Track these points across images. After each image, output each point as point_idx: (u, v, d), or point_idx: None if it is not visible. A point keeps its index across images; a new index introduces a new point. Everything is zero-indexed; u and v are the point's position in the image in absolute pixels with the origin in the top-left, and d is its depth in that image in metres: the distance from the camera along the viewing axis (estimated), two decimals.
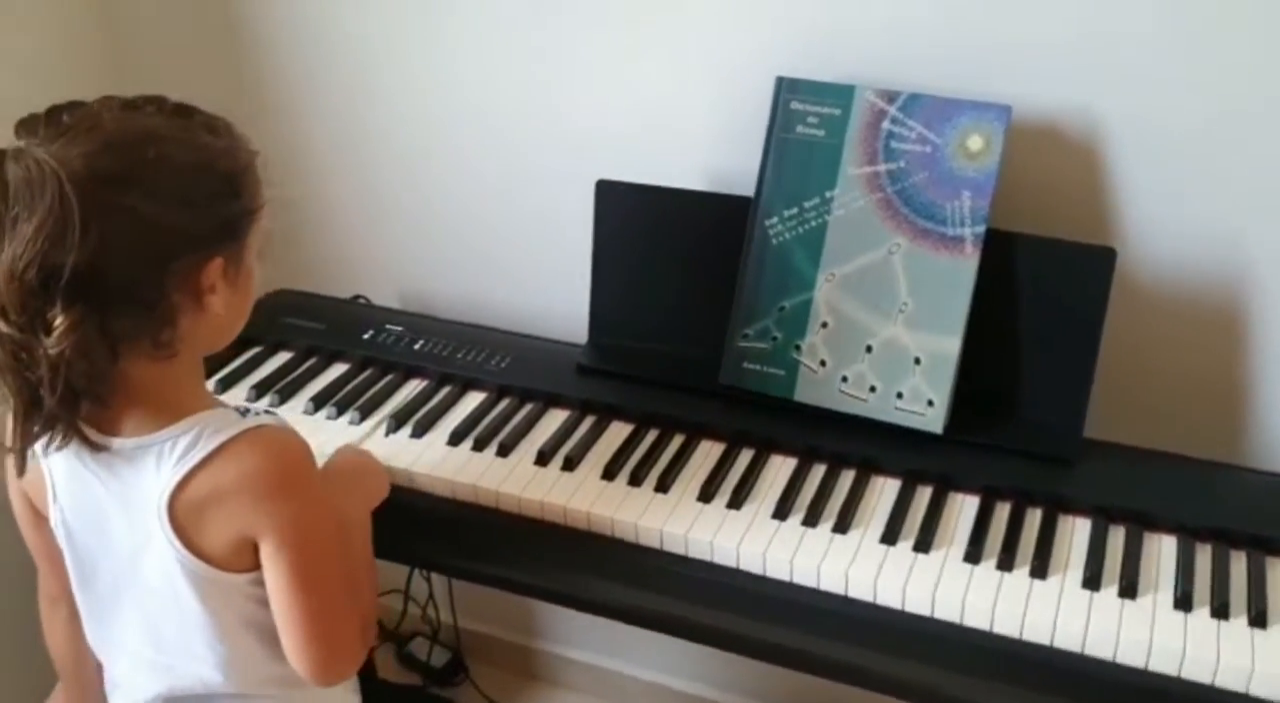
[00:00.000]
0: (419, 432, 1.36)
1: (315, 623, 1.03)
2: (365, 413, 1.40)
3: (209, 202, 0.97)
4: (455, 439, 1.35)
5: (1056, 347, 1.26)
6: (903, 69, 1.30)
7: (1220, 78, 1.21)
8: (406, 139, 1.63)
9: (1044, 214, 1.29)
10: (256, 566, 1.03)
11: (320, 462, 1.28)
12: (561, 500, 1.24)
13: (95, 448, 0.99)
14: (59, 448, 0.98)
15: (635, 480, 1.27)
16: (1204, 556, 1.16)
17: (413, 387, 1.46)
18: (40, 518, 1.10)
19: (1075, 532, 1.19)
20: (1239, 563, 1.15)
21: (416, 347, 1.49)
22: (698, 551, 1.20)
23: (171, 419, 1.01)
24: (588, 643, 2.01)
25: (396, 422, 1.37)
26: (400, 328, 1.52)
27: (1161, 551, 1.17)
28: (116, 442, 1.01)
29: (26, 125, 0.92)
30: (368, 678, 1.90)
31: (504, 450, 1.32)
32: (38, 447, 0.98)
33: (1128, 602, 1.10)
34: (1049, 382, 1.27)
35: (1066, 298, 1.25)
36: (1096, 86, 1.25)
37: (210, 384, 1.44)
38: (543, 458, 1.31)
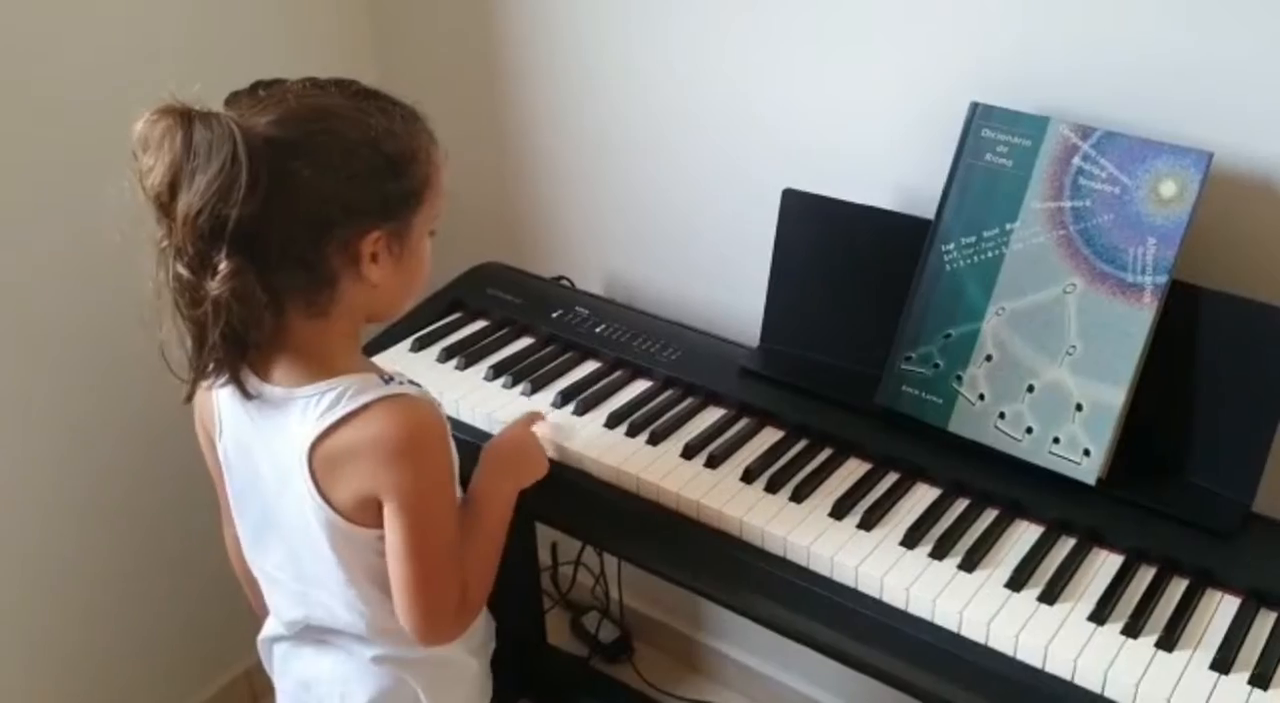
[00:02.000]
0: (582, 410, 1.43)
1: (417, 588, 1.11)
2: (537, 386, 1.47)
3: (370, 177, 1.04)
4: (613, 422, 1.40)
5: (1233, 412, 1.19)
6: (1102, 106, 1.25)
7: None
8: (623, 134, 1.70)
9: (1239, 272, 1.21)
10: (381, 524, 1.11)
11: (496, 428, 1.37)
12: (695, 496, 1.28)
13: (245, 393, 1.09)
14: (223, 386, 1.09)
15: (772, 487, 1.29)
16: None
17: (587, 367, 1.52)
18: (213, 443, 1.21)
19: (1219, 610, 1.12)
20: None
21: (598, 330, 1.56)
22: (819, 565, 1.20)
23: (322, 376, 1.09)
24: (752, 644, 2.03)
25: (564, 398, 1.45)
26: (586, 311, 1.59)
27: None
28: (268, 389, 1.10)
29: (234, 97, 1.04)
30: (535, 643, 2.04)
31: (655, 439, 1.37)
32: (205, 383, 1.09)
33: (1257, 691, 1.03)
34: (1220, 448, 1.20)
35: (1249, 361, 1.17)
36: None
37: (407, 343, 1.56)
38: (689, 452, 1.34)
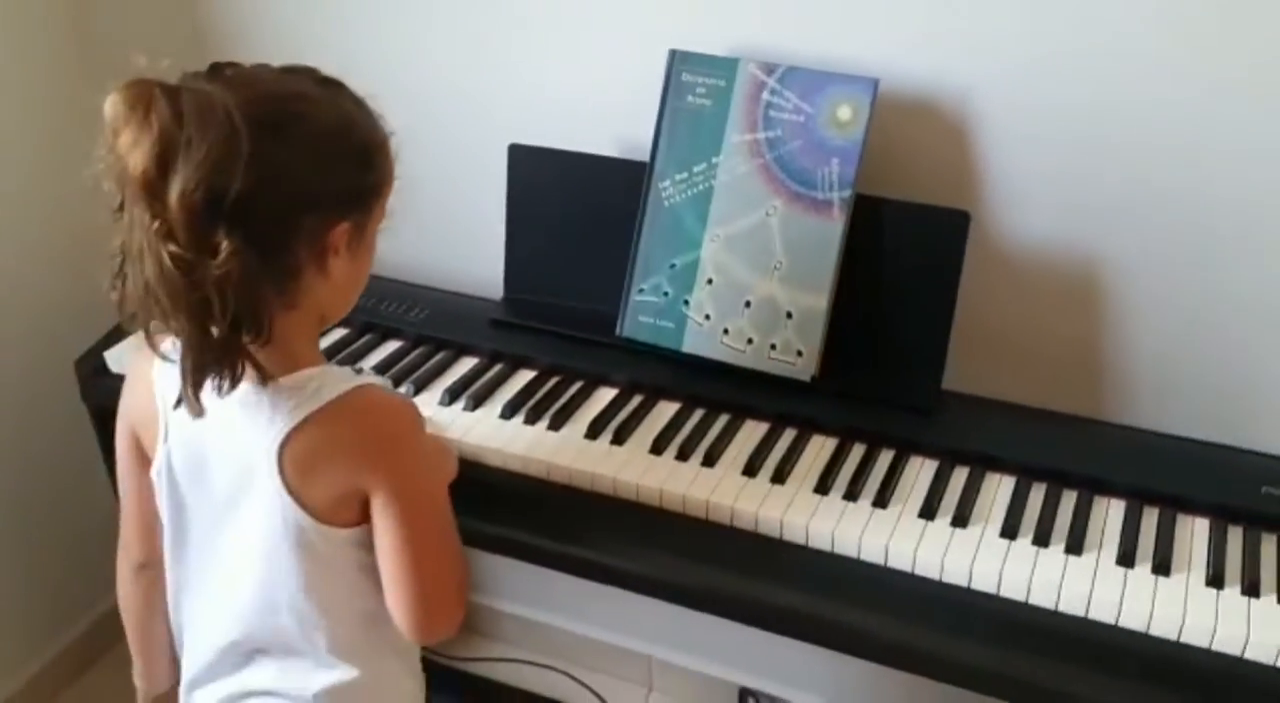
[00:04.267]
0: None
1: (420, 579, 1.06)
2: None
3: (345, 166, 1.00)
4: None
5: (917, 303, 1.37)
6: (785, 44, 1.41)
7: (1083, 55, 1.31)
8: None
9: (911, 180, 1.40)
10: (357, 522, 1.06)
11: None
12: (457, 435, 1.35)
13: (269, 380, 1.00)
14: (229, 390, 0.98)
15: (530, 419, 1.38)
16: (1037, 492, 1.27)
17: (335, 335, 1.57)
18: (143, 462, 1.12)
19: (921, 471, 1.30)
20: (1069, 500, 1.26)
21: None
22: (581, 481, 1.31)
23: (290, 369, 1.03)
24: (521, 596, 2.11)
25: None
26: None
27: (999, 488, 1.27)
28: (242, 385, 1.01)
29: (194, 76, 0.95)
30: None
31: (416, 389, 1.44)
32: (161, 387, 1.02)
33: (958, 530, 1.21)
34: (912, 336, 1.38)
35: (925, 258, 1.36)
36: (964, 62, 1.35)
37: None
38: (449, 397, 1.42)
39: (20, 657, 1.96)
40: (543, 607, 2.10)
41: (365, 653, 1.12)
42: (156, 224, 0.91)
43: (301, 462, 1.02)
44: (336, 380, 1.04)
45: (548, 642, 2.12)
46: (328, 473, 1.03)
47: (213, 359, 0.96)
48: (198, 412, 0.99)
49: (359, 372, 1.09)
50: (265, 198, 0.93)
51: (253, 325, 0.96)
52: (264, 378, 1.01)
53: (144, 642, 1.26)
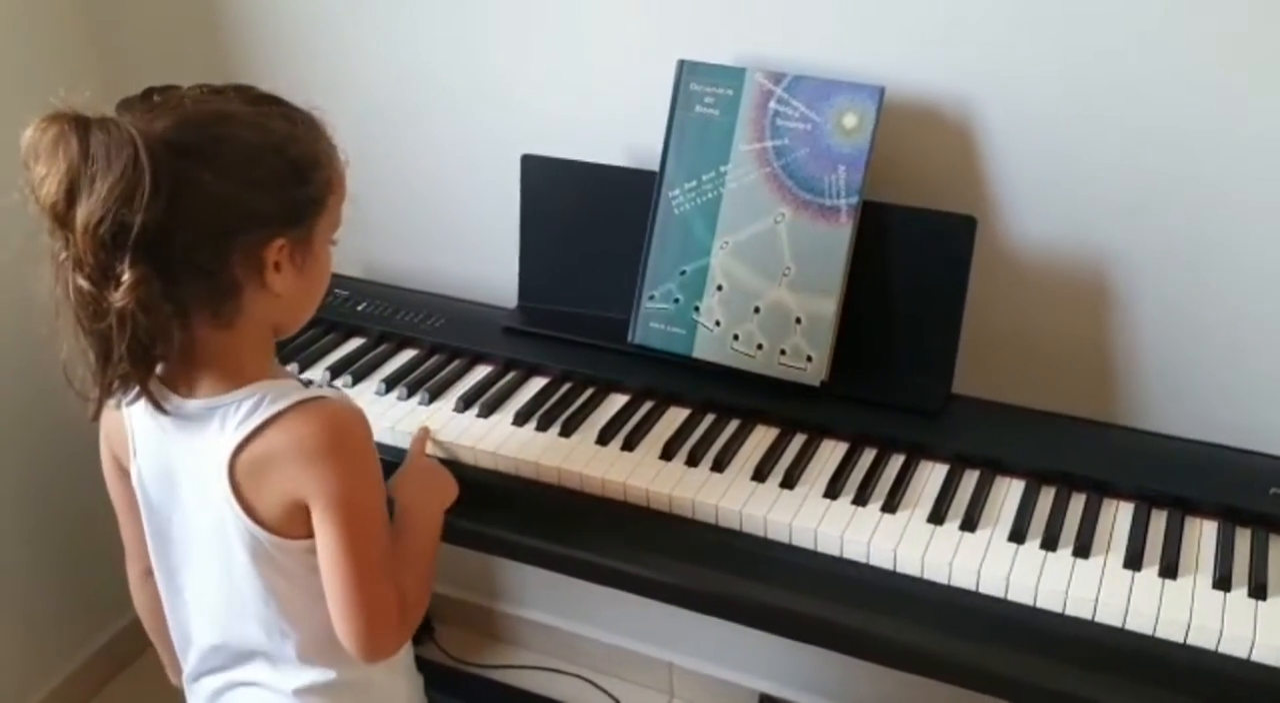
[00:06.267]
0: (354, 382, 1.50)
1: (358, 590, 1.07)
2: (304, 367, 1.53)
3: (274, 183, 1.01)
4: (386, 388, 1.48)
5: (926, 308, 1.38)
6: (792, 53, 1.42)
7: (1084, 62, 1.31)
8: (366, 121, 1.77)
9: (917, 186, 1.41)
10: (309, 533, 1.08)
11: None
12: (470, 443, 1.37)
13: (159, 407, 1.05)
14: (132, 402, 1.05)
15: (542, 426, 1.40)
16: (1046, 496, 1.27)
17: (353, 344, 1.60)
18: (125, 475, 1.16)
19: (932, 475, 1.30)
20: (1077, 503, 1.26)
21: (360, 308, 1.63)
22: (592, 487, 1.32)
23: (237, 385, 1.06)
24: (544, 603, 2.13)
25: (333, 374, 1.51)
26: (346, 292, 1.66)
27: (1009, 492, 1.28)
28: (182, 402, 1.07)
29: (125, 103, 0.99)
30: None
31: (431, 398, 1.46)
32: (116, 401, 1.05)
33: (967, 535, 1.22)
34: (921, 340, 1.39)
35: (933, 262, 1.37)
36: (968, 69, 1.36)
37: None
38: (463, 404, 1.44)
39: (55, 660, 2.01)
40: (562, 613, 2.12)
41: (338, 657, 1.14)
42: (65, 255, 0.95)
43: (251, 474, 1.06)
44: (283, 393, 1.06)
45: (568, 648, 2.14)
46: (274, 483, 1.06)
47: (116, 378, 1.00)
48: (95, 416, 1.07)
49: (308, 384, 1.12)
50: (184, 225, 0.96)
51: (158, 350, 1.00)
52: (210, 393, 1.06)
53: (165, 642, 1.29)
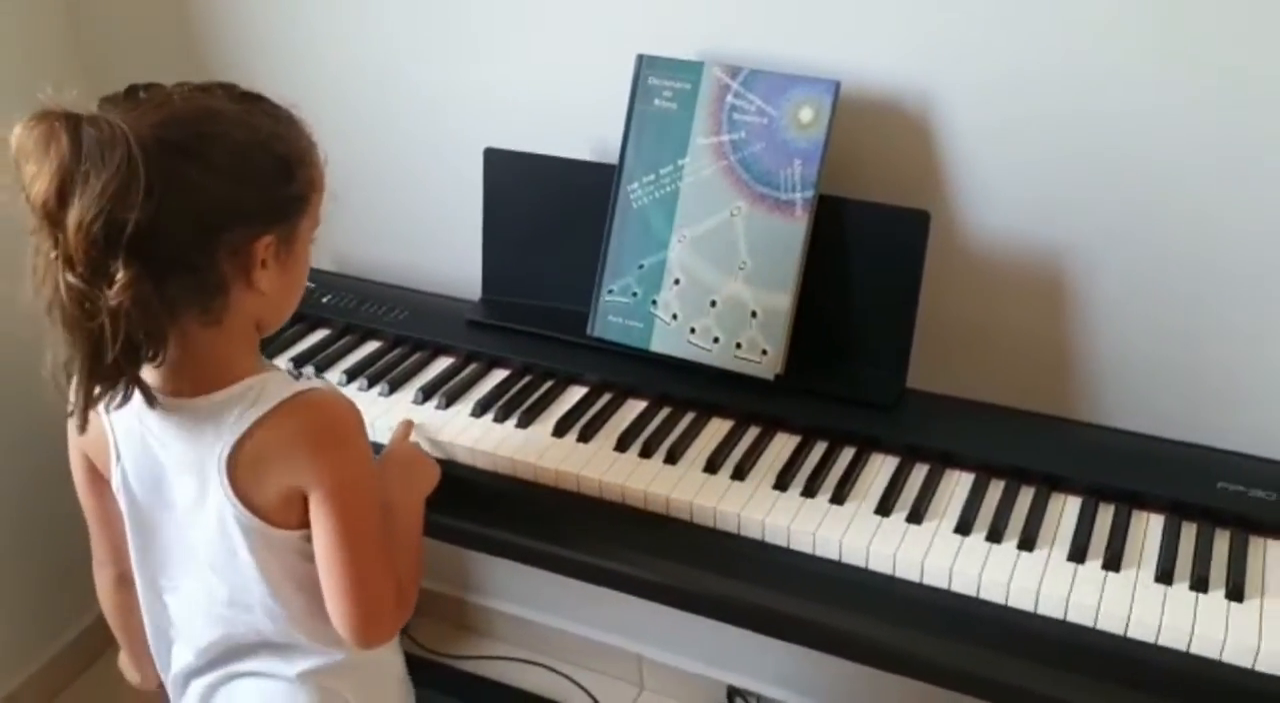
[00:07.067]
0: (319, 371, 1.51)
1: (353, 578, 1.08)
2: (269, 357, 1.53)
3: (262, 180, 1.02)
4: (348, 379, 1.49)
5: (880, 302, 1.39)
6: (752, 47, 1.43)
7: (1041, 56, 1.32)
8: (333, 113, 1.77)
9: (872, 181, 1.41)
10: (307, 522, 1.09)
11: None
12: (432, 433, 1.38)
13: (154, 402, 1.05)
14: (120, 406, 1.03)
15: (500, 418, 1.41)
16: (995, 489, 1.28)
17: (317, 336, 1.61)
18: (100, 481, 1.17)
19: (881, 468, 1.31)
20: (1025, 496, 1.26)
21: (325, 300, 1.65)
22: (545, 478, 1.33)
23: (229, 382, 1.06)
24: (513, 594, 2.14)
25: (296, 364, 1.52)
26: (311, 284, 1.64)
27: (957, 485, 1.29)
28: (175, 401, 1.06)
29: (109, 100, 0.98)
30: None
31: (392, 389, 1.47)
32: (101, 406, 1.02)
33: (913, 527, 1.22)
34: (874, 334, 1.40)
35: (887, 257, 1.37)
36: (925, 64, 1.37)
37: None
38: (423, 395, 1.45)
39: (21, 656, 2.02)
40: (533, 605, 2.13)
41: (340, 640, 1.15)
42: (56, 253, 0.94)
43: (249, 468, 1.06)
44: (276, 387, 1.07)
45: (540, 640, 2.15)
46: (271, 475, 1.07)
47: (102, 381, 0.99)
48: (83, 428, 1.03)
49: (299, 377, 1.13)
50: (174, 222, 0.95)
51: (150, 349, 1.00)
52: (200, 391, 1.06)
53: (136, 646, 1.30)
